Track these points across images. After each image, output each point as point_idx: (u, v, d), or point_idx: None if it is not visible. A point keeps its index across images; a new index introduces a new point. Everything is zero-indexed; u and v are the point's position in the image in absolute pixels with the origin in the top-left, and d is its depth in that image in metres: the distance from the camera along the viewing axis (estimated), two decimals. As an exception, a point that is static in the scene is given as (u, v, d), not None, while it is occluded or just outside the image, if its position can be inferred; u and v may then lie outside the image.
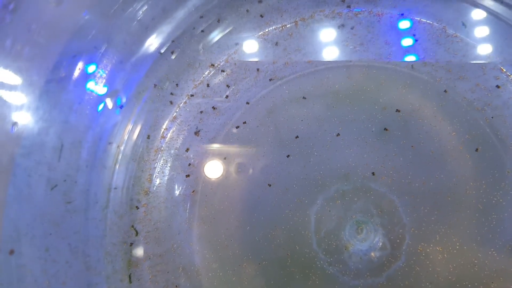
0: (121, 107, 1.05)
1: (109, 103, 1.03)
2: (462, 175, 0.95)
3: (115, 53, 1.02)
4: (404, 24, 1.02)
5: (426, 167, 0.96)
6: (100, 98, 1.02)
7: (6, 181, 0.89)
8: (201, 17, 1.06)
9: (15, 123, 0.89)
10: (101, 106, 1.02)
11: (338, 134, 1.00)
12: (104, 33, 0.99)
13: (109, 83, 1.03)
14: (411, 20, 1.02)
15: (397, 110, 0.99)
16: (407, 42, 1.02)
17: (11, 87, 0.88)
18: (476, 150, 0.95)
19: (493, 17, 1.00)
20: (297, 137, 1.01)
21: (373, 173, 0.97)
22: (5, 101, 0.88)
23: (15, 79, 0.89)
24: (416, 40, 1.01)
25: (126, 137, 1.05)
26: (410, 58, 1.01)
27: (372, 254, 0.95)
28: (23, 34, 0.88)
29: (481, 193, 0.94)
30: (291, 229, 0.98)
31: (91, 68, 1.00)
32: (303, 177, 0.99)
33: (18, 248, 0.88)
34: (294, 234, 0.98)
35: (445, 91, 0.98)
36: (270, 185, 1.00)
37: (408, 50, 1.01)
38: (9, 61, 0.87)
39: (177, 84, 1.07)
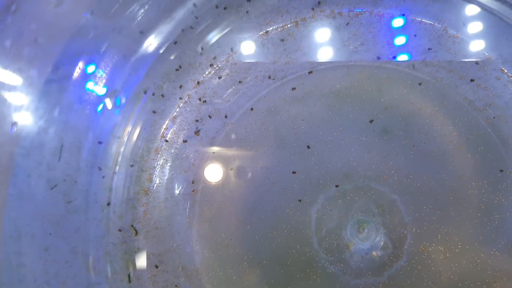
0: (122, 107, 1.05)
1: (109, 103, 1.03)
2: (464, 175, 0.95)
3: (115, 53, 1.02)
4: (397, 22, 1.02)
5: (427, 166, 0.96)
6: (100, 98, 1.02)
7: (6, 181, 0.89)
8: (201, 17, 1.06)
9: (14, 123, 0.89)
10: (100, 107, 1.02)
11: (340, 134, 1.00)
12: (104, 33, 1.00)
13: (109, 83, 1.03)
14: (405, 18, 1.02)
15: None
16: (405, 40, 1.02)
17: (11, 87, 0.89)
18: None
19: (494, 17, 1.00)
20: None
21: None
22: (4, 101, 0.88)
23: (15, 79, 0.89)
24: (412, 38, 1.01)
25: (126, 137, 1.05)
26: (411, 58, 1.01)
27: (374, 253, 0.95)
28: (24, 34, 0.89)
29: (483, 193, 0.94)
30: (292, 228, 0.98)
31: (91, 68, 1.00)
32: (304, 177, 0.99)
33: (18, 248, 0.88)
34: (295, 233, 0.98)
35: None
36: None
37: (408, 50, 1.01)
38: (9, 61, 0.88)
39: (177, 84, 1.07)
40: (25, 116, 0.91)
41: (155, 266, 1.00)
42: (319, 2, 1.04)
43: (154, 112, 1.06)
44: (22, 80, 0.90)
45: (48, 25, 0.92)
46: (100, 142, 1.02)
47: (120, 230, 1.01)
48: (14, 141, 0.90)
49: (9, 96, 0.88)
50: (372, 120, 0.99)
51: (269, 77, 1.05)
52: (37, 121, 0.93)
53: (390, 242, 0.95)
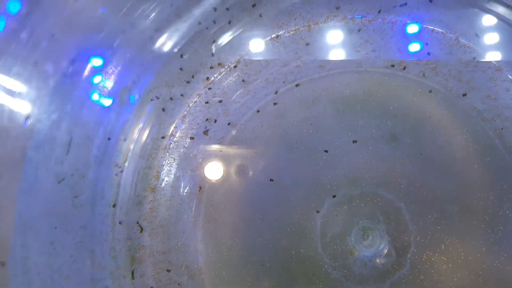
0: (133, 104, 1.05)
1: (121, 100, 1.03)
2: (470, 185, 0.95)
3: (127, 51, 1.02)
4: (412, 29, 1.02)
5: (434, 175, 0.96)
6: (112, 95, 1.02)
7: (18, 174, 0.89)
8: (215, 18, 1.06)
9: (28, 117, 0.89)
10: (109, 102, 1.02)
11: (348, 139, 1.00)
12: (117, 30, 1.00)
13: (121, 80, 1.03)
14: (420, 24, 1.02)
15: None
16: (417, 47, 1.02)
17: (27, 80, 0.89)
18: None
19: (507, 28, 0.99)
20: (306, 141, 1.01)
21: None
22: (20, 94, 0.88)
23: (30, 72, 0.89)
24: (424, 46, 1.01)
25: (135, 134, 1.05)
26: (421, 66, 1.01)
27: (377, 260, 0.95)
28: (41, 27, 0.89)
29: (488, 204, 0.94)
30: (297, 232, 0.98)
31: (104, 65, 1.00)
32: (311, 181, 0.99)
33: (23, 241, 0.89)
34: (300, 237, 0.98)
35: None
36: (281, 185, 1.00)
37: (420, 58, 1.01)
38: (26, 54, 0.88)
39: (188, 84, 1.07)
40: (39, 110, 0.91)
41: (167, 270, 1.01)
42: (337, 8, 1.04)
43: (163, 110, 1.06)
44: (38, 74, 0.90)
45: (66, 19, 0.92)
46: (109, 138, 1.02)
47: (120, 223, 1.01)
48: (27, 134, 0.90)
49: (24, 89, 0.89)
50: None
51: (280, 80, 1.05)
52: (50, 115, 0.93)
53: (394, 250, 0.95)
